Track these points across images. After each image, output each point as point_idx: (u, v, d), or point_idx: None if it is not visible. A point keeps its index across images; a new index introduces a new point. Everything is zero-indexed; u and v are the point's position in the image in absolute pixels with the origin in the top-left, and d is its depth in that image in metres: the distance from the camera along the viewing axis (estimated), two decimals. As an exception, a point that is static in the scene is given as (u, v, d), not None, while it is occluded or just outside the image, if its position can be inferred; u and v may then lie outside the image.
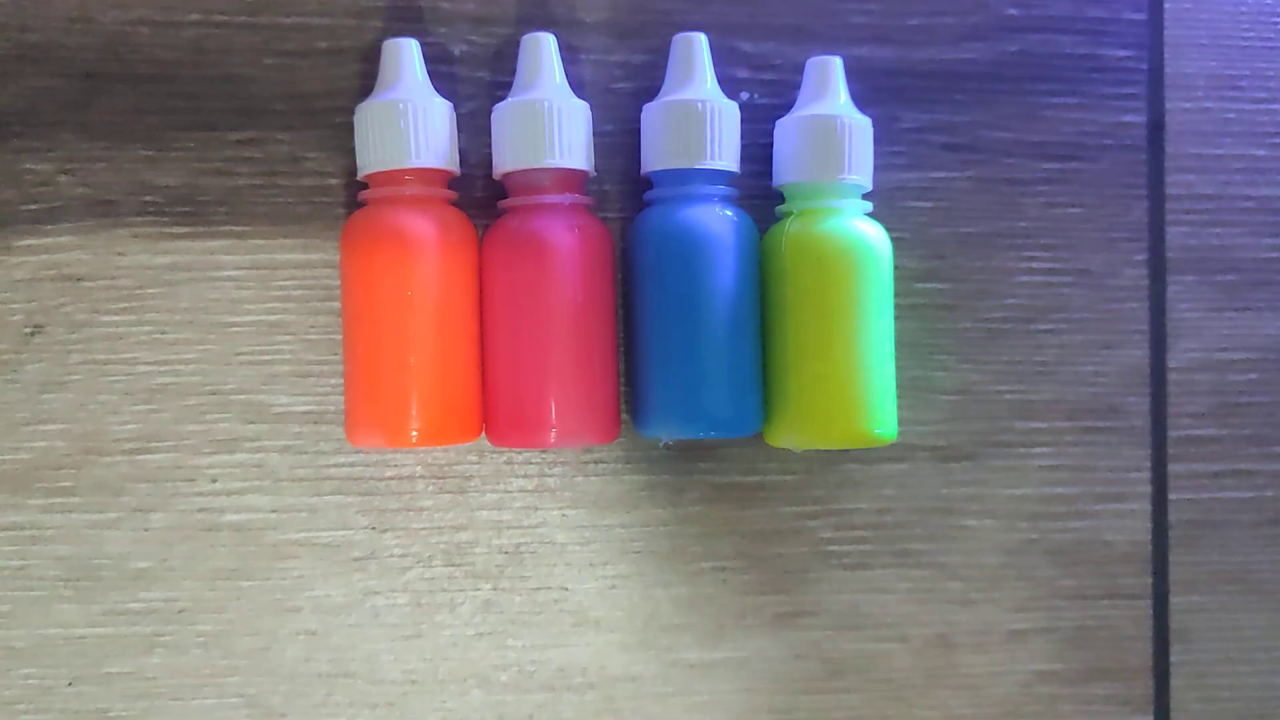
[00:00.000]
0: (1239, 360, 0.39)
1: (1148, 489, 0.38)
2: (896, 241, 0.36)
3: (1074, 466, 0.38)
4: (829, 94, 0.34)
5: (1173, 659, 0.39)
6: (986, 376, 0.37)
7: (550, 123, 0.32)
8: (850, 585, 0.37)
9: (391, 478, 0.35)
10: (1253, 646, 0.39)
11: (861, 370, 0.33)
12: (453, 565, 0.36)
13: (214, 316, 0.35)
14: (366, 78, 0.35)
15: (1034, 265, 0.38)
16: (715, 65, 0.34)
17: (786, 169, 0.34)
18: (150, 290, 0.34)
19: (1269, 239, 0.39)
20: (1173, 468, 0.38)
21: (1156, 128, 0.38)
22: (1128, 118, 0.38)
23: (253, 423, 0.35)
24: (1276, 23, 0.39)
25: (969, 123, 0.37)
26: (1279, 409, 0.39)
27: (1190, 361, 0.38)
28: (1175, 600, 0.39)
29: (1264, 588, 0.39)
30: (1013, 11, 0.37)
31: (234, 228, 0.35)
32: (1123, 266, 0.38)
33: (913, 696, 0.38)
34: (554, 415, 0.32)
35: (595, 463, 0.36)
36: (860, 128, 0.34)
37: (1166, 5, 0.38)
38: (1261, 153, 0.39)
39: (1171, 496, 0.38)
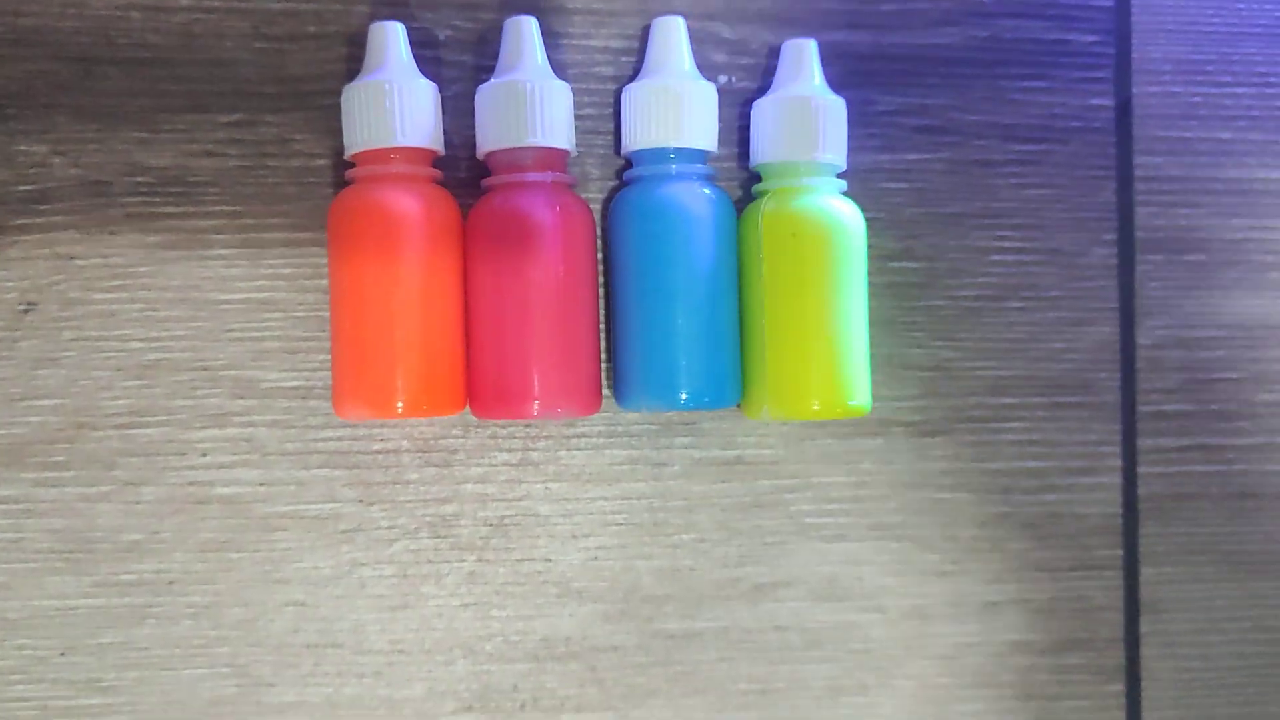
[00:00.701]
0: (1207, 338, 0.40)
1: (1118, 463, 0.39)
2: (871, 221, 0.37)
3: (1046, 441, 0.39)
4: (803, 76, 0.35)
5: (1143, 629, 0.39)
6: (959, 353, 0.38)
7: (531, 103, 0.33)
8: (828, 557, 0.38)
9: (378, 451, 0.36)
10: (1222, 617, 0.40)
11: (835, 344, 0.34)
12: (438, 537, 0.36)
13: (204, 294, 0.35)
14: (353, 61, 0.35)
15: (1005, 245, 0.39)
16: (694, 50, 0.35)
17: (762, 149, 0.35)
18: (142, 268, 0.35)
19: (1235, 219, 0.40)
20: (1142, 442, 0.39)
21: (1124, 111, 0.39)
22: (1095, 101, 0.39)
23: (242, 398, 0.36)
24: (1240, 8, 0.40)
25: (941, 106, 0.38)
26: (1246, 385, 0.40)
27: (1159, 339, 0.39)
28: (1145, 572, 0.39)
29: (1232, 559, 0.40)
30: (984, -2, 0.38)
31: (224, 207, 0.35)
32: (1092, 246, 0.39)
33: (890, 666, 0.38)
34: (536, 387, 0.33)
35: (578, 436, 0.37)
36: (834, 108, 0.35)
37: (1133, -9, 0.39)
38: (1227, 135, 0.40)
39: (1141, 470, 0.39)
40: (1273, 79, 0.40)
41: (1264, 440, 0.40)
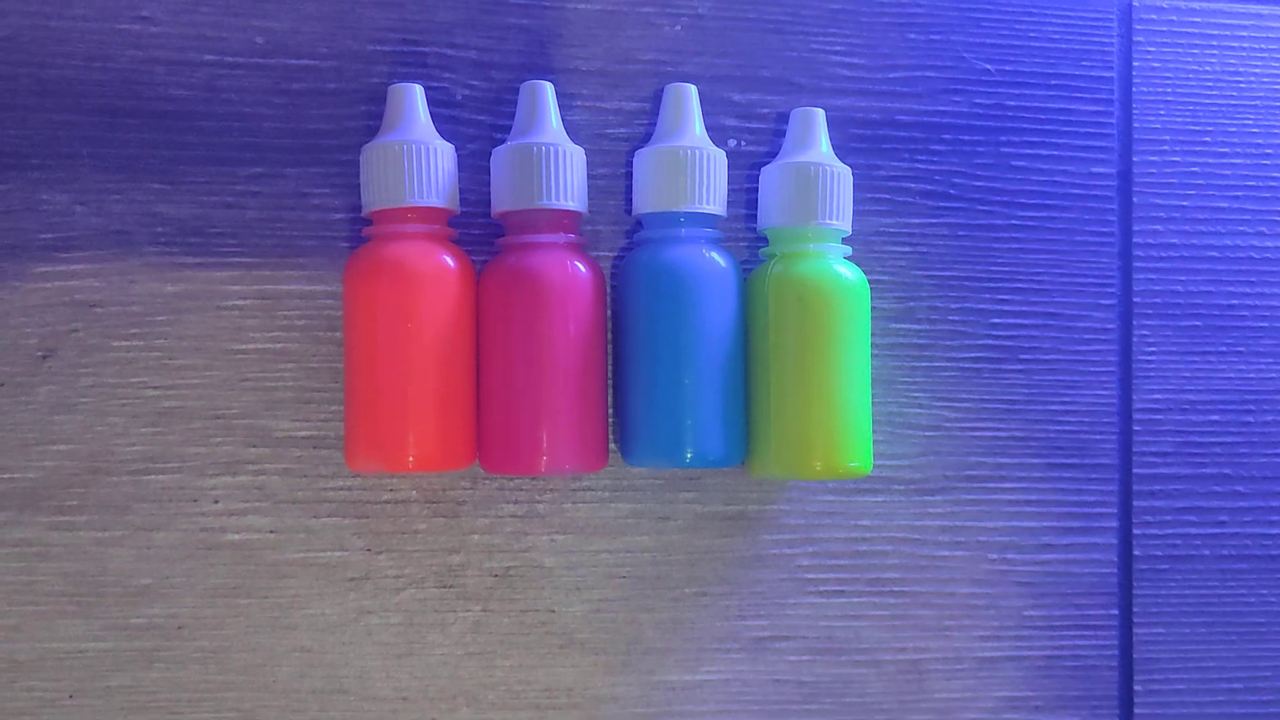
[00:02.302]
0: (1202, 402, 0.40)
1: (1114, 523, 0.40)
2: (875, 284, 0.38)
3: (1043, 501, 0.40)
4: (811, 143, 0.36)
5: (1137, 688, 0.40)
6: (959, 414, 0.39)
7: (546, 167, 0.34)
8: (826, 611, 0.39)
9: (387, 501, 0.37)
10: (1215, 677, 0.41)
11: (839, 406, 0.35)
12: (444, 587, 0.37)
13: (220, 343, 0.36)
14: (372, 118, 0.36)
15: (1006, 308, 0.39)
16: (705, 113, 0.36)
17: (770, 213, 0.36)
18: (159, 317, 0.36)
19: (1230, 286, 0.40)
20: (1138, 504, 0.40)
21: (1125, 179, 0.40)
22: (1097, 169, 0.40)
23: (255, 446, 0.36)
24: (1238, 82, 0.41)
25: (945, 172, 0.39)
26: (1240, 449, 0.41)
27: (1156, 403, 0.40)
28: (1140, 631, 0.40)
29: (1225, 620, 0.40)
30: (988, 67, 0.39)
31: (241, 259, 0.36)
32: (1091, 310, 0.40)
33: (886, 721, 0.39)
34: (545, 444, 0.34)
35: (583, 490, 0.37)
36: (840, 176, 0.35)
37: (1135, 64, 0.40)
38: (1224, 204, 0.41)
39: (1137, 531, 0.40)
40: (1268, 150, 0.41)
41: (1258, 504, 0.41)
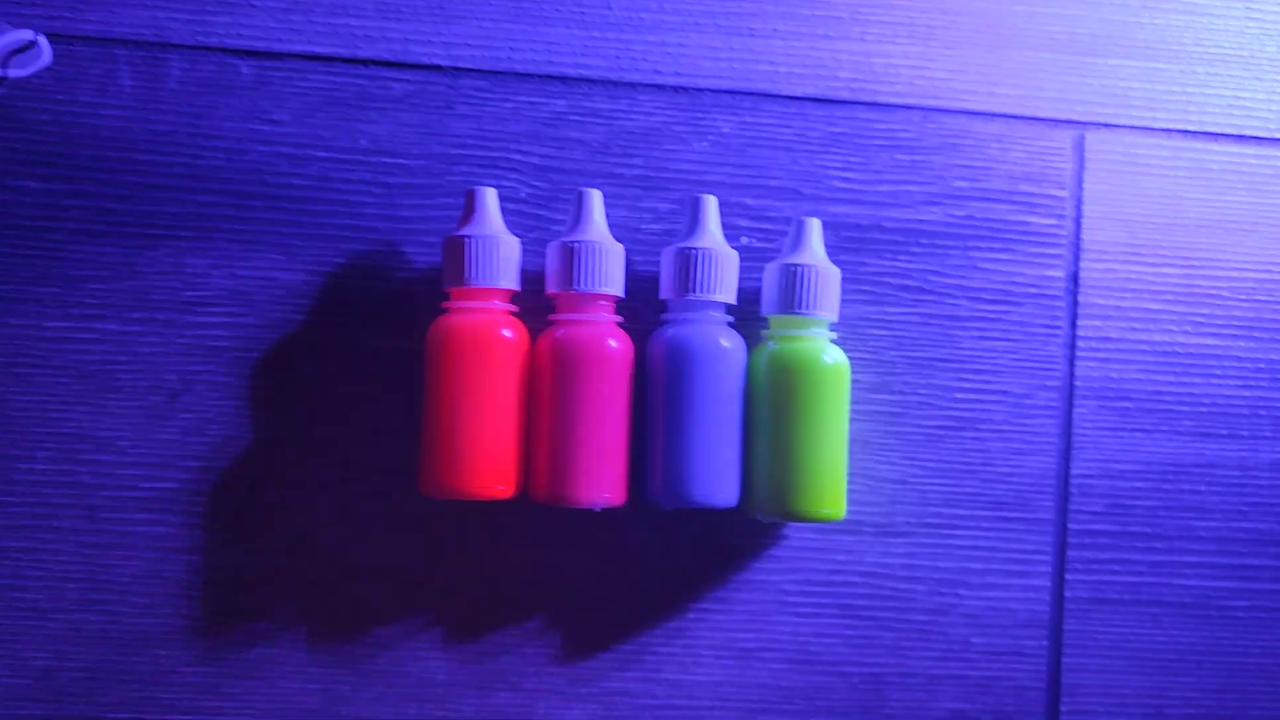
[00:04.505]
0: (1130, 471, 0.48)
1: (1049, 569, 0.48)
2: (857, 361, 0.46)
3: (989, 547, 0.47)
4: (807, 246, 0.44)
5: (1062, 709, 0.48)
6: (923, 471, 0.47)
7: (592, 259, 0.42)
8: (803, 630, 0.47)
9: (450, 518, 0.45)
10: (1130, 704, 0.48)
11: (819, 462, 0.43)
12: (491, 591, 0.45)
13: (320, 386, 0.45)
14: (453, 209, 0.45)
15: (966, 385, 0.47)
16: (723, 214, 0.44)
17: (770, 302, 0.44)
18: (273, 361, 0.44)
19: (1158, 375, 0.48)
20: (1071, 554, 0.48)
21: (1073, 281, 0.48)
22: (1049, 272, 0.48)
23: (343, 470, 0.45)
24: (1174, 204, 0.48)
25: (921, 270, 0.47)
26: (1160, 513, 0.48)
27: (1090, 469, 0.48)
28: (1067, 660, 0.48)
29: (1142, 655, 0.48)
30: (962, 183, 0.47)
31: (341, 319, 0.45)
32: (1038, 390, 0.48)
33: (849, 723, 0.47)
34: (580, 482, 0.42)
35: (609, 520, 0.46)
36: (830, 275, 0.44)
37: (1085, 186, 0.48)
38: (1156, 307, 0.48)
39: (1069, 577, 0.48)
40: (1195, 263, 0.48)
41: (1174, 559, 0.48)
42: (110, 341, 0.44)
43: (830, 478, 0.43)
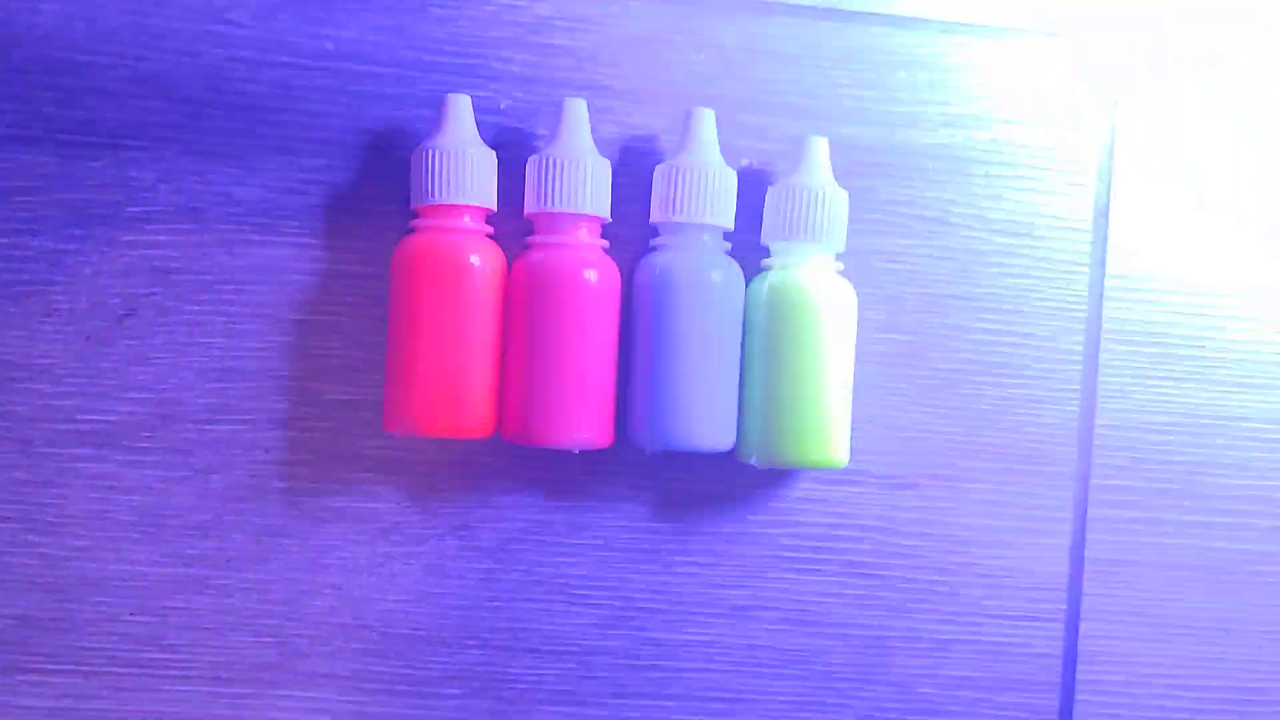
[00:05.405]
0: (1160, 422, 0.44)
1: (1069, 527, 0.44)
2: (866, 297, 0.42)
3: (1005, 503, 0.44)
4: (814, 167, 0.40)
5: (1079, 678, 0.44)
6: (934, 418, 0.43)
7: (576, 175, 0.38)
8: (801, 587, 0.43)
9: (416, 461, 0.41)
10: (1151, 674, 0.45)
11: (820, 402, 0.39)
12: (462, 541, 0.42)
13: (279, 313, 0.41)
14: (425, 121, 0.41)
15: (983, 325, 0.43)
16: (721, 134, 0.40)
17: (772, 229, 0.40)
18: (227, 286, 0.41)
19: (1193, 318, 0.44)
20: (1093, 511, 0.44)
21: (1102, 214, 0.44)
22: (1077, 203, 0.44)
23: (304, 406, 0.41)
24: (1221, 120, 0.44)
25: (938, 198, 0.43)
26: (1191, 469, 0.44)
27: (1116, 420, 0.44)
28: (1085, 626, 0.44)
29: (1165, 622, 0.44)
30: (984, 105, 0.43)
31: (301, 239, 0.41)
32: (1061, 333, 0.44)
33: (849, 689, 0.43)
34: (557, 420, 0.38)
35: (590, 464, 0.42)
36: (837, 199, 0.40)
37: (1120, 113, 0.44)
38: (1194, 242, 0.44)
39: (1090, 536, 0.44)
40: (1247, 190, 0.44)
41: (1203, 519, 0.44)
42: (45, 260, 0.40)
43: (832, 421, 0.40)
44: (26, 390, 0.40)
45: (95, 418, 0.40)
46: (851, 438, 0.42)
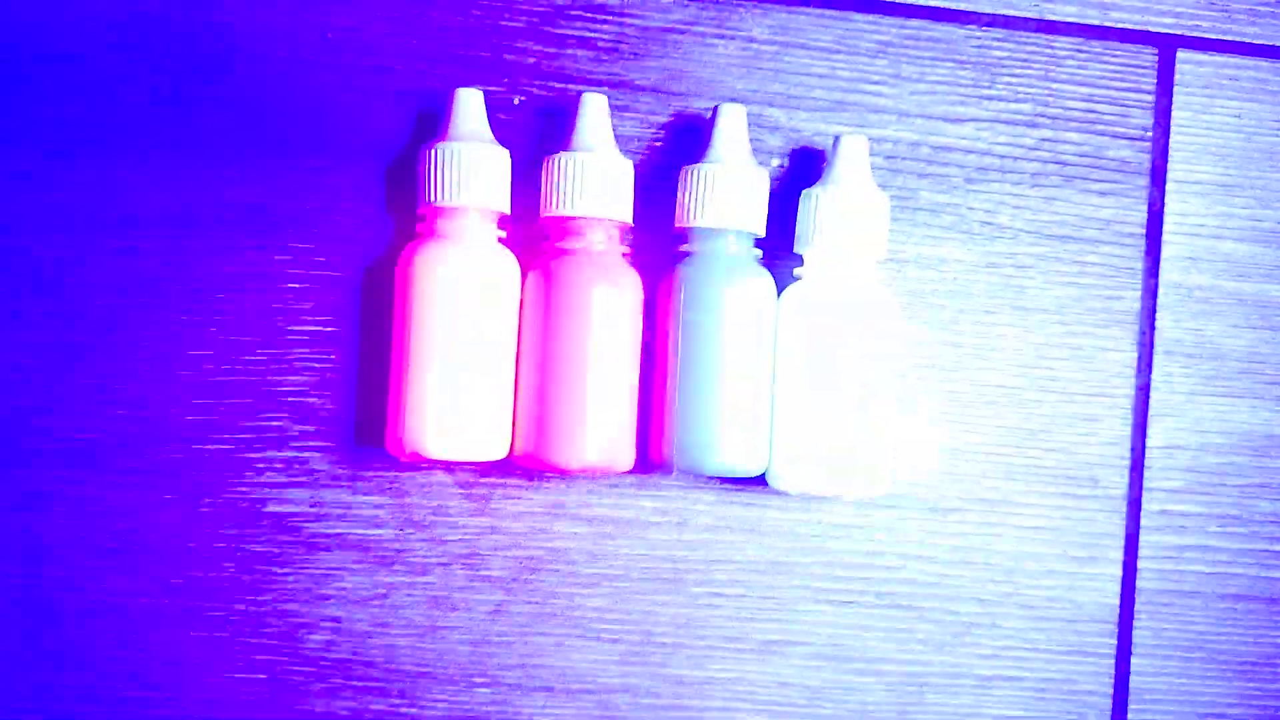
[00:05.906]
0: (1217, 442, 0.41)
1: (1119, 555, 0.41)
2: (906, 307, 0.39)
3: (1052, 528, 0.41)
4: (853, 170, 0.37)
5: (1130, 718, 0.41)
6: (977, 438, 0.40)
7: (595, 176, 0.35)
8: (835, 620, 0.40)
9: (422, 484, 0.38)
10: (1206, 713, 0.42)
11: (858, 425, 0.36)
12: (471, 570, 0.39)
13: (276, 323, 0.38)
14: (434, 119, 0.38)
15: (1030, 339, 0.41)
16: (752, 134, 0.38)
17: (807, 236, 0.37)
18: (220, 295, 0.38)
19: (1252, 330, 0.41)
20: (1145, 538, 0.41)
21: (1155, 222, 0.41)
22: (1130, 211, 0.41)
23: (301, 423, 0.38)
24: (1272, 136, 0.41)
25: (983, 205, 0.40)
26: (1249, 491, 0.42)
27: (1171, 440, 0.41)
28: (1137, 662, 0.41)
29: (1220, 658, 0.42)
30: (1030, 105, 0.41)
31: (299, 244, 0.38)
32: (1112, 347, 0.41)
33: (884, 729, 0.41)
34: (576, 442, 0.35)
35: (609, 487, 0.39)
36: (878, 204, 0.37)
37: (1175, 113, 0.41)
38: (1250, 252, 0.41)
39: (1141, 565, 0.41)
40: (1301, 203, 0.42)
41: (1262, 546, 0.42)
42: (26, 265, 0.37)
43: (869, 444, 0.37)
44: (2, 405, 0.37)
45: (78, 436, 0.37)
46: (891, 460, 0.39)
